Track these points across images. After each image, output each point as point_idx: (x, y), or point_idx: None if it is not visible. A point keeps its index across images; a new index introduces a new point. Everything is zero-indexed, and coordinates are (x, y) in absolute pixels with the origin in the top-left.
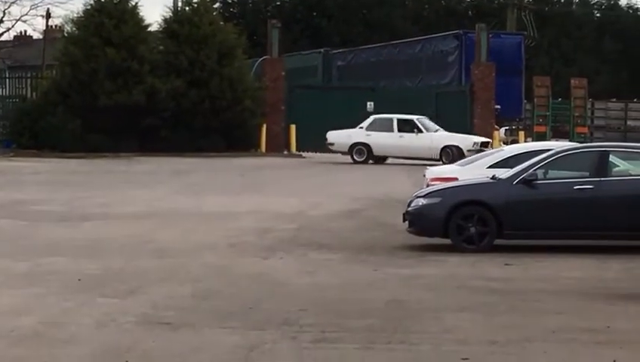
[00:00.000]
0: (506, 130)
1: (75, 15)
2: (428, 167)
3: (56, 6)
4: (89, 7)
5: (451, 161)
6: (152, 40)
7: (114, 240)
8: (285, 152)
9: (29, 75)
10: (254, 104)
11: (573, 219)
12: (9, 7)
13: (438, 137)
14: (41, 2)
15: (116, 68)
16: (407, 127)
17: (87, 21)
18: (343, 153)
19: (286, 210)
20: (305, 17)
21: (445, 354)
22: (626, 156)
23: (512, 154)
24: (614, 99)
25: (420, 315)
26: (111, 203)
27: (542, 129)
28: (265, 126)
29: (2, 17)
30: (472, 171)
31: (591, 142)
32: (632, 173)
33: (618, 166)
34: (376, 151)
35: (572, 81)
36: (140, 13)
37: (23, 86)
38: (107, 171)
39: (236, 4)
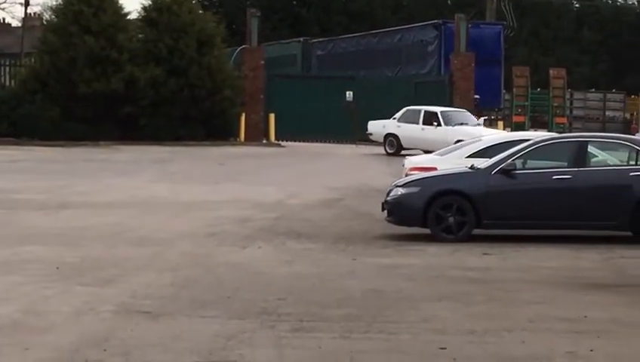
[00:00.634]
0: (484, 120)
1: (54, 3)
2: (407, 157)
3: None
4: None
5: None
6: (131, 28)
7: (93, 229)
8: (264, 141)
9: (7, 63)
10: (233, 93)
11: (551, 209)
12: None
13: (452, 131)
14: None
15: (95, 56)
16: (431, 119)
17: (66, 9)
18: (381, 144)
19: (265, 199)
20: (284, 6)
21: (423, 344)
22: (605, 146)
23: (491, 144)
24: (593, 90)
25: (398, 304)
26: (90, 191)
27: (521, 119)
28: (244, 115)
29: None
30: (451, 161)
31: (569, 132)
32: (610, 164)
33: (597, 156)
34: (404, 144)
35: (551, 72)
36: (119, 2)
37: (2, 74)
38: (86, 160)
39: None
